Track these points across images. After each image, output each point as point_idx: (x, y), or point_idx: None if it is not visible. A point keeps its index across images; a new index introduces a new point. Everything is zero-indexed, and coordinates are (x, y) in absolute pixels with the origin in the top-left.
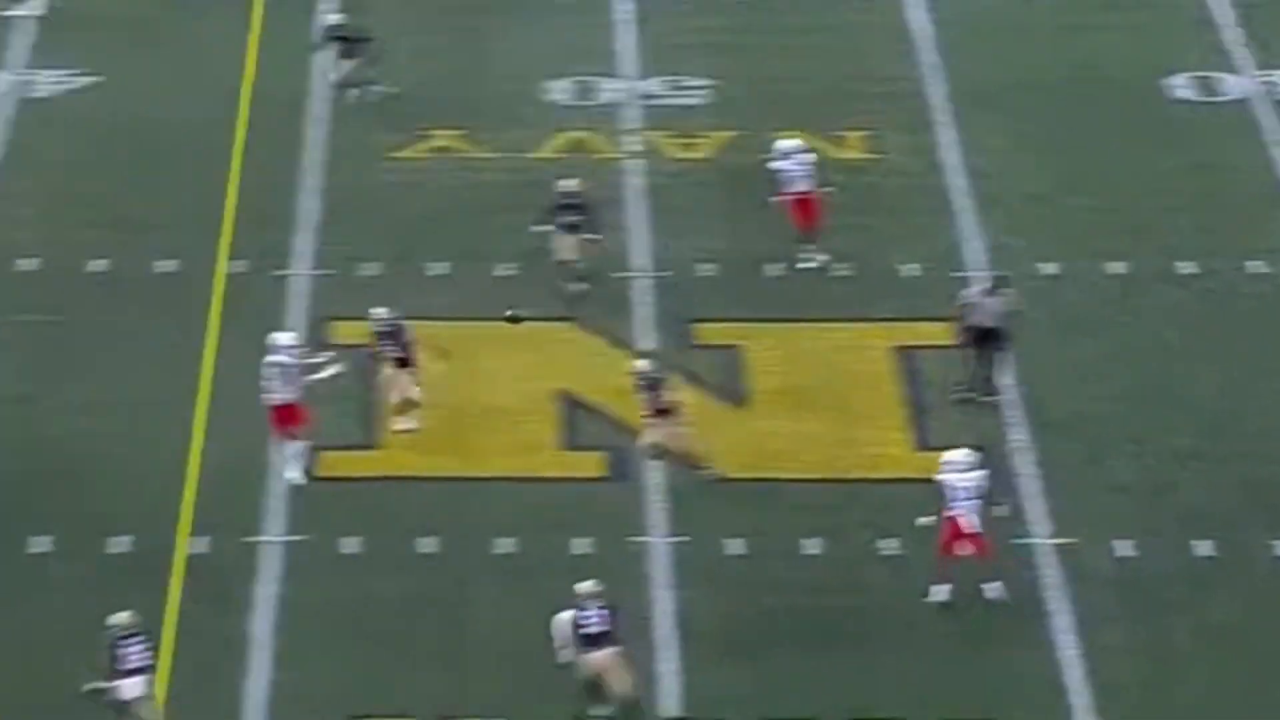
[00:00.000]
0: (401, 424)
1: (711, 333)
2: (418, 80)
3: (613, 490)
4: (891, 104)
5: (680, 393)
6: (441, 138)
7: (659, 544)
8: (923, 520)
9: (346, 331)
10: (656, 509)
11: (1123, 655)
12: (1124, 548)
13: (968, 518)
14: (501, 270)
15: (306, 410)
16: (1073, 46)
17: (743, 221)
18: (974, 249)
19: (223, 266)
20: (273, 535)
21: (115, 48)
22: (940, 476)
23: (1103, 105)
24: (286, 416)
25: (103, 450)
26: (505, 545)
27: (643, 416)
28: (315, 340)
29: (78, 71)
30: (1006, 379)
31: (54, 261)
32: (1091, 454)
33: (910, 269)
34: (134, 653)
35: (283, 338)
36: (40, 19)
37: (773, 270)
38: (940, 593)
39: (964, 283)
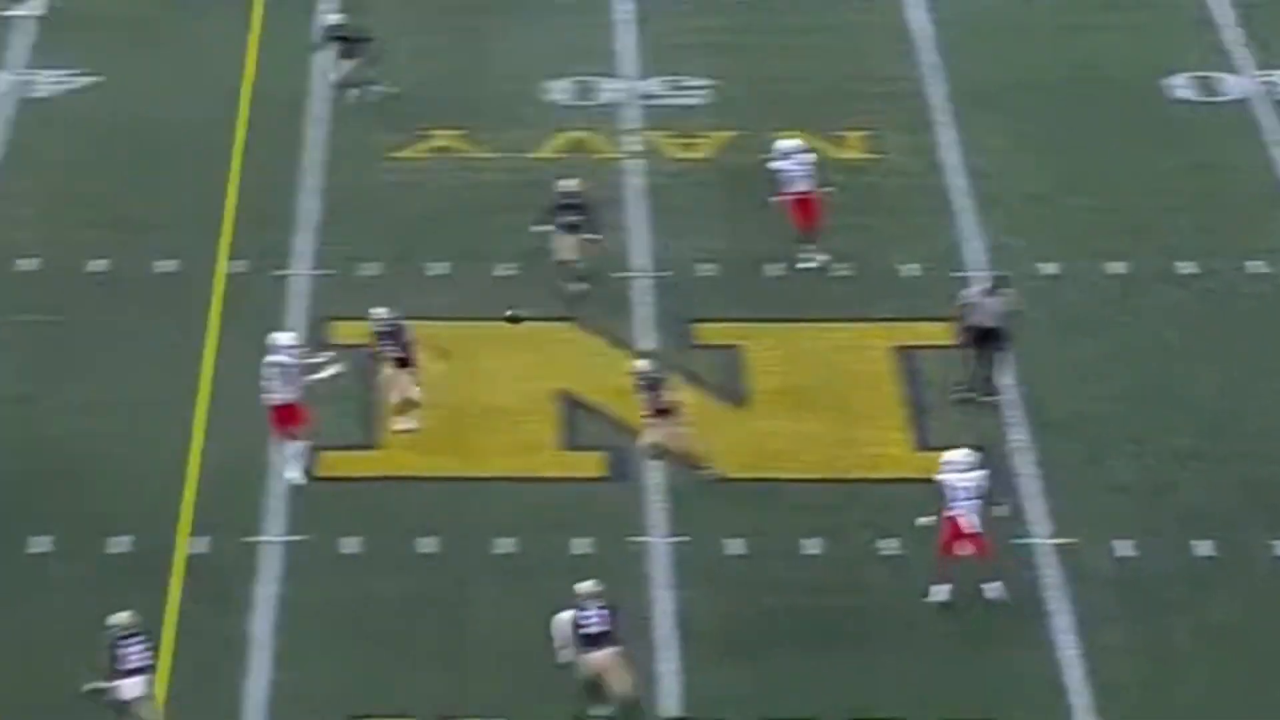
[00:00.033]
0: (401, 424)
1: (711, 333)
2: (418, 80)
3: (613, 490)
4: (891, 104)
5: (680, 393)
6: (441, 138)
7: (659, 544)
8: (923, 520)
9: (346, 331)
10: (656, 509)
11: (1123, 655)
12: (1124, 548)
13: (968, 518)
14: (501, 270)
15: (306, 410)
16: (1073, 46)
17: (743, 221)
18: (974, 249)
19: (223, 266)
20: (273, 535)
21: (115, 48)
22: (940, 476)
23: (1103, 105)
24: (286, 416)
25: (103, 450)
26: (505, 545)
27: (642, 416)
28: (316, 340)
29: (78, 71)
30: (1006, 379)
31: (54, 261)
32: (1091, 454)
33: (910, 269)
34: (134, 652)
35: (282, 338)
36: (40, 19)
37: (773, 270)
38: (940, 593)
39: (964, 283)
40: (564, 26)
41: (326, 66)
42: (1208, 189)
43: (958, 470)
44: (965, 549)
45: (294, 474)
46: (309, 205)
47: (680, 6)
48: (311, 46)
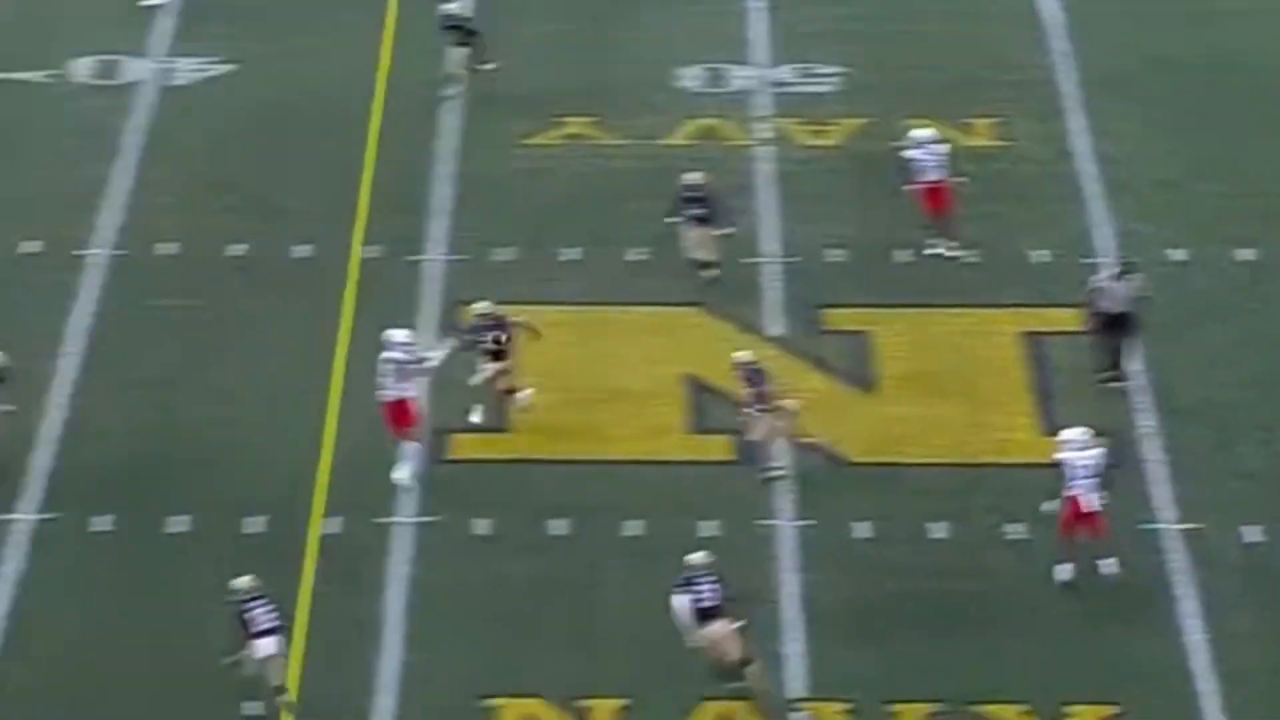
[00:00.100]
0: (520, 400)
1: (840, 318)
2: (551, 67)
3: (740, 474)
4: (1021, 91)
5: (778, 383)
6: (573, 124)
7: (786, 527)
8: (1047, 506)
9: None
10: (783, 493)
11: (1249, 641)
12: (1251, 534)
13: (1087, 496)
14: (632, 255)
15: (419, 408)
16: (1203, 32)
17: (872, 208)
18: (1103, 235)
19: (357, 252)
20: (404, 516)
21: (253, 35)
22: (1059, 456)
23: (1233, 91)
24: (399, 414)
25: (239, 433)
26: (634, 528)
27: (743, 408)
28: (448, 324)
29: (216, 59)
30: (1135, 365)
31: (193, 247)
32: (1220, 440)
33: (1040, 255)
34: (261, 614)
35: (396, 334)
36: (181, 8)
37: (902, 256)
38: (1064, 571)
39: (1093, 269)
40: (696, 14)
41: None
42: None
43: (1075, 449)
44: (1084, 528)
45: (402, 475)
46: (442, 191)
47: None
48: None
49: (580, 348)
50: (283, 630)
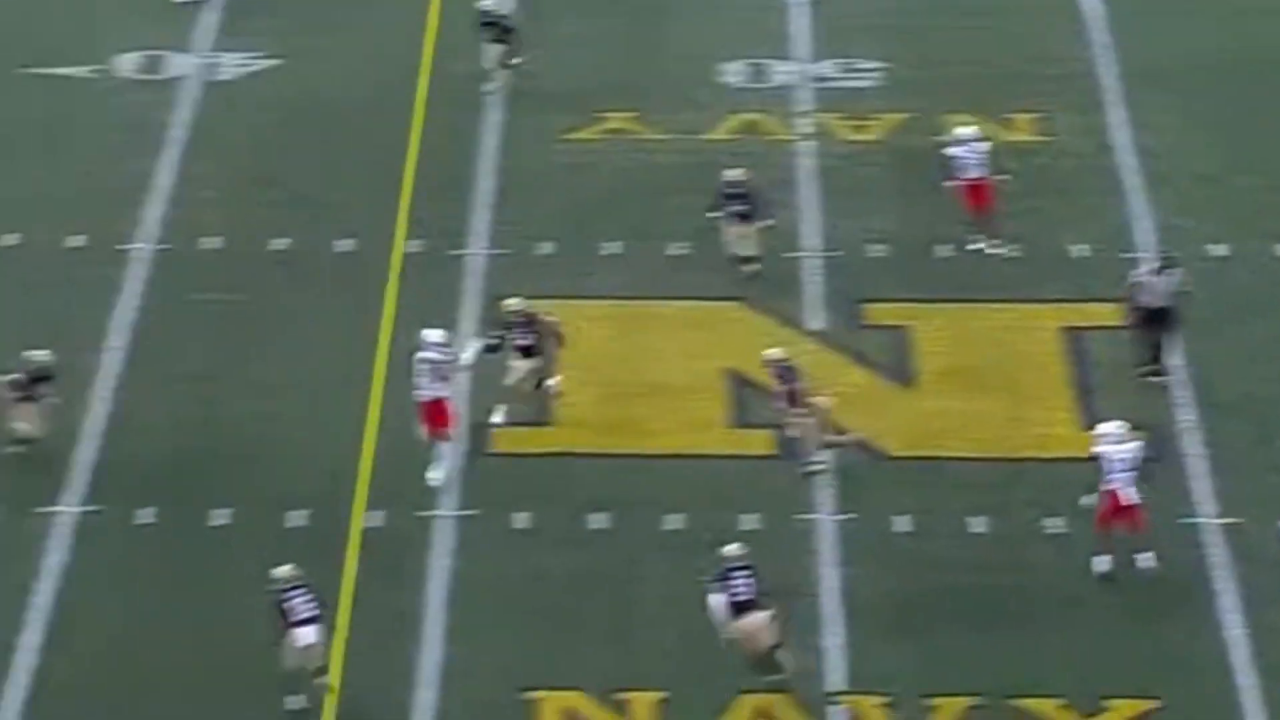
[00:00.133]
0: (550, 387)
1: (881, 313)
2: (593, 63)
3: (780, 468)
4: (1062, 85)
5: (811, 379)
6: (615, 119)
7: (826, 521)
8: (1085, 501)
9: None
10: (823, 487)
11: None
12: None
13: (1125, 489)
14: (674, 250)
15: (455, 408)
16: (1244, 26)
17: (913, 202)
18: (1144, 229)
19: (400, 246)
20: (445, 510)
21: (297, 30)
22: (1097, 449)
23: (1274, 85)
24: (435, 414)
25: (281, 427)
26: (674, 522)
27: (776, 407)
28: (491, 318)
29: (260, 54)
30: (1175, 359)
31: (236, 241)
32: (1260, 435)
33: (1080, 250)
34: (300, 602)
35: (431, 334)
36: (225, 2)
37: (942, 251)
38: (1102, 563)
39: (1133, 264)
40: (737, 9)
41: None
42: None
43: (1112, 442)
44: (1122, 521)
45: (437, 476)
46: (484, 185)
47: None
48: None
49: (621, 342)
50: (322, 619)
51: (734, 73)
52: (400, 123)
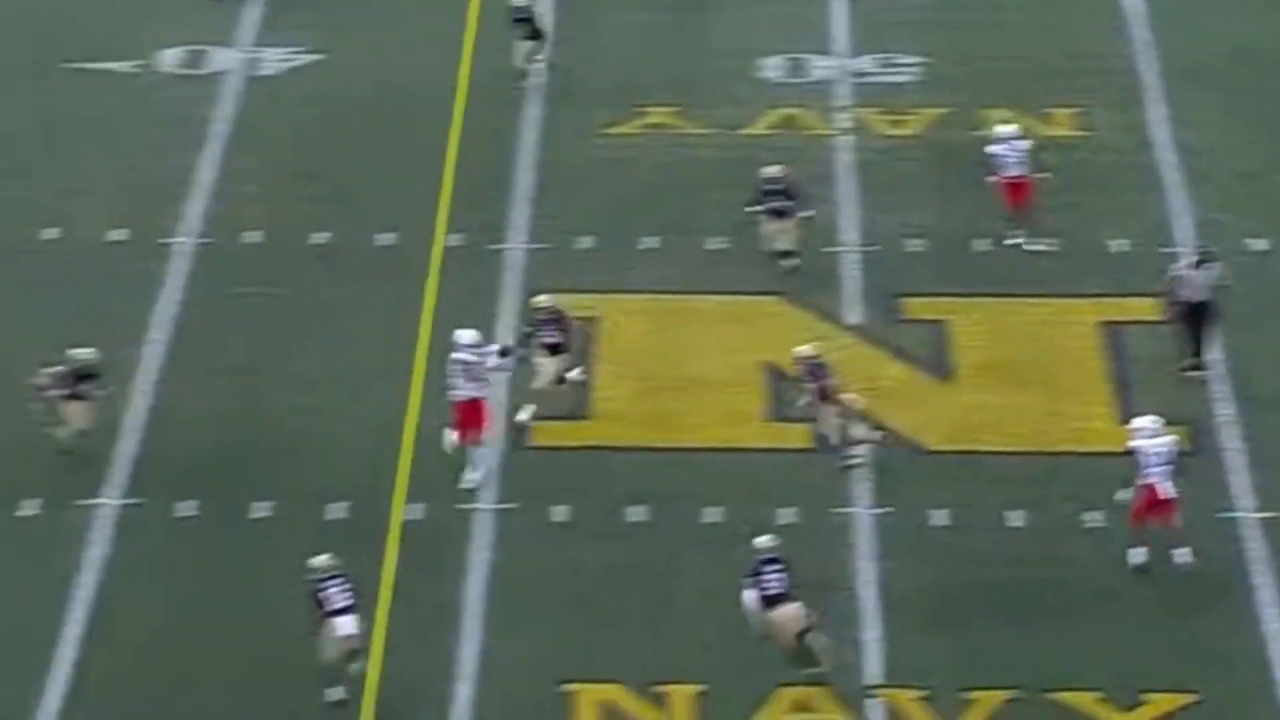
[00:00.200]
0: (574, 377)
1: (918, 307)
2: (633, 57)
3: (818, 461)
4: (1102, 80)
5: (841, 377)
6: (656, 114)
7: (863, 515)
8: (1121, 495)
9: (560, 304)
10: (861, 481)
11: None
12: None
13: (1162, 484)
14: (712, 244)
15: (490, 408)
16: None
17: (951, 197)
18: (1183, 225)
19: (440, 240)
20: (484, 503)
21: (339, 25)
22: (1132, 444)
23: None
24: (470, 415)
25: (322, 420)
26: (712, 515)
27: (804, 404)
28: (529, 312)
29: (302, 49)
30: (1214, 354)
31: (277, 235)
32: None
33: (1119, 245)
34: (335, 592)
35: (464, 335)
36: None
37: (980, 245)
38: (1138, 555)
39: (1173, 259)
40: (777, 4)
41: (520, 48)
42: None
43: (1146, 437)
44: (1157, 516)
45: (473, 478)
46: (524, 180)
47: None
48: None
49: (659, 336)
50: (357, 608)
51: (774, 68)
52: (441, 118)
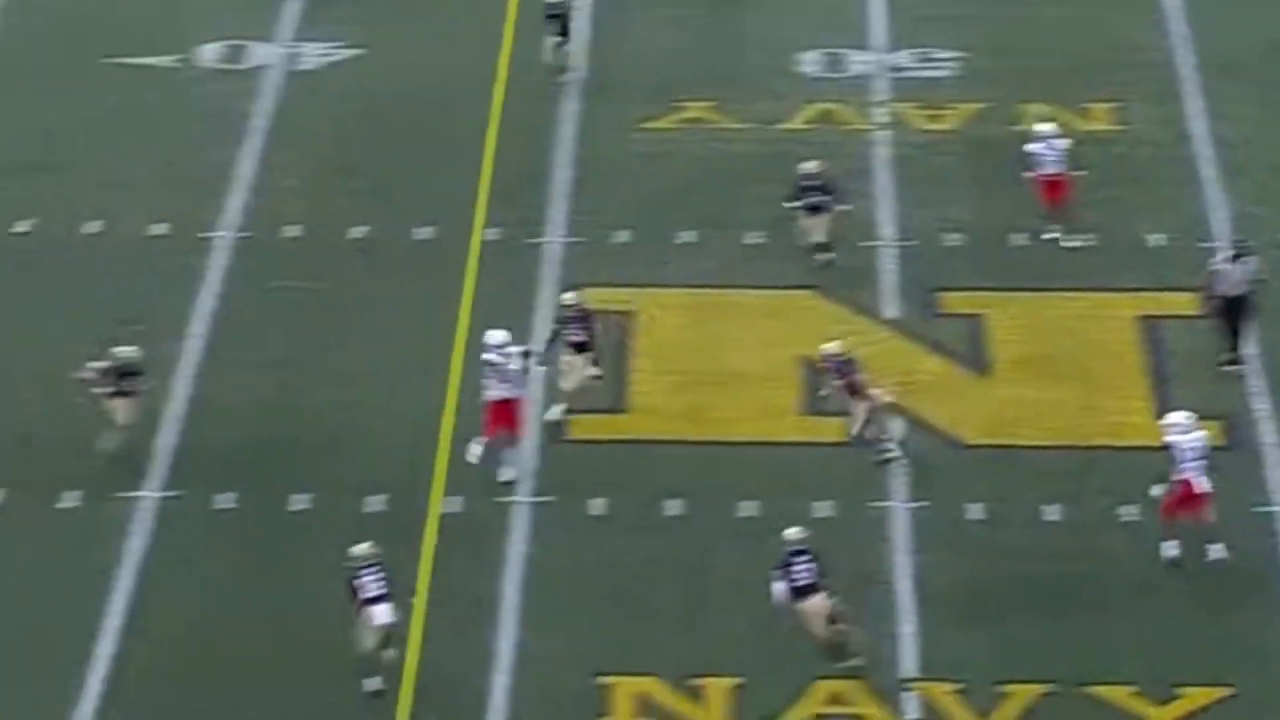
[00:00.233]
0: (590, 374)
1: (955, 301)
2: (671, 52)
3: (854, 455)
4: (1139, 74)
5: (867, 373)
6: (693, 109)
7: (899, 509)
8: (1155, 490)
9: (597, 297)
10: (897, 474)
11: None
12: None
13: (1198, 479)
14: (750, 239)
15: (521, 408)
16: None
17: (988, 192)
18: (1220, 219)
19: (478, 234)
20: (522, 496)
21: (378, 20)
22: (1167, 439)
23: None
24: (501, 414)
25: (360, 413)
26: (748, 509)
27: (827, 395)
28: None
29: (341, 44)
30: (1251, 348)
31: (316, 230)
32: None
33: (1156, 239)
34: (370, 581)
35: (494, 336)
36: None
37: (1017, 240)
38: (1170, 548)
39: (1210, 252)
40: None
41: (552, 43)
42: None
43: (1180, 432)
44: (1191, 510)
45: (510, 475)
46: (562, 175)
47: None
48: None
49: (696, 330)
50: (391, 598)
51: (811, 62)
52: (479, 112)
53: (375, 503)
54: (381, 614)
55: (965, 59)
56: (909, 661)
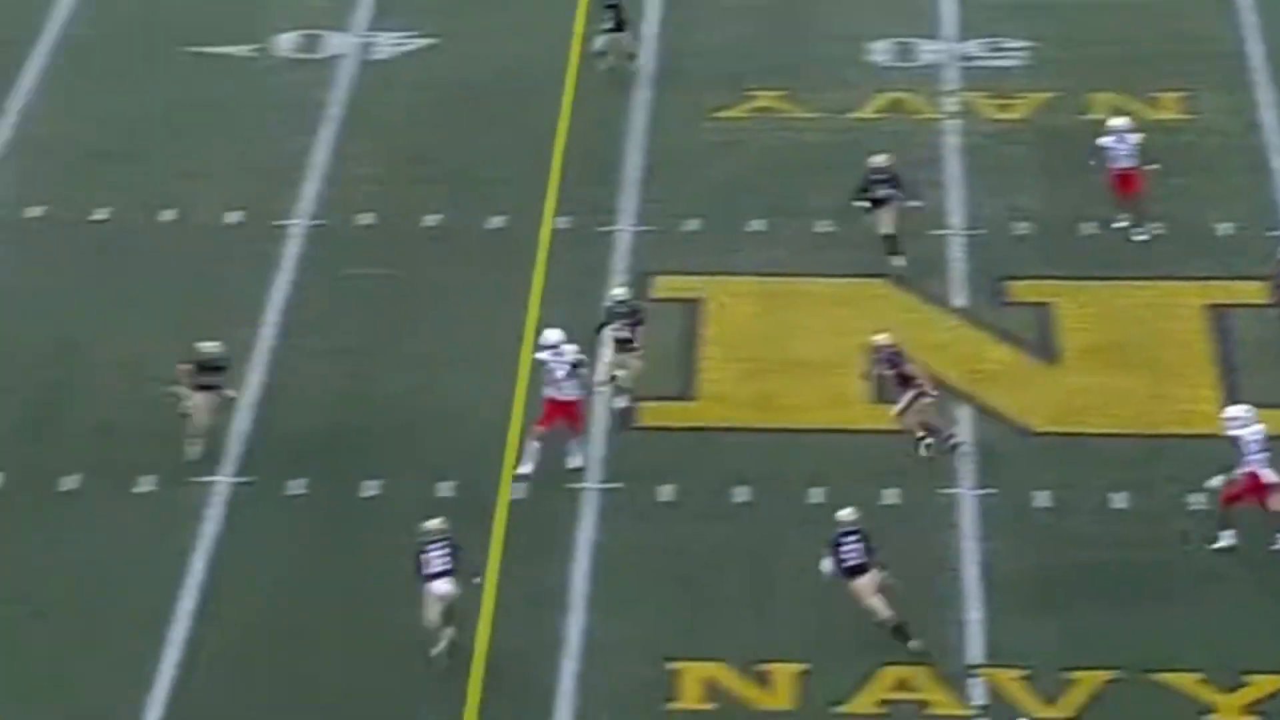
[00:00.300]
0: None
1: (1024, 290)
2: (742, 41)
3: (922, 443)
4: (1209, 64)
5: (918, 364)
6: (764, 98)
7: (967, 496)
8: (1214, 482)
9: (668, 286)
10: (965, 462)
11: None
12: None
13: (1263, 469)
14: (820, 227)
15: (580, 405)
16: None
17: (1058, 181)
18: None
19: (549, 222)
20: (591, 483)
21: (451, 10)
22: (1231, 432)
23: None
24: (559, 412)
25: (432, 400)
26: (816, 495)
27: (867, 376)
28: (639, 294)
29: (415, 33)
30: None
31: (390, 218)
32: None
33: (1225, 228)
34: (435, 556)
35: (549, 336)
36: None
37: (1087, 229)
38: (1228, 536)
39: (1278, 242)
40: None
41: (636, 34)
42: None
43: (1240, 426)
44: (1254, 499)
45: (577, 461)
46: (633, 163)
47: None
48: (636, 9)
49: (766, 318)
50: (455, 574)
51: (881, 52)
52: (551, 101)
53: (445, 489)
54: (439, 588)
55: (1035, 48)
56: (975, 648)
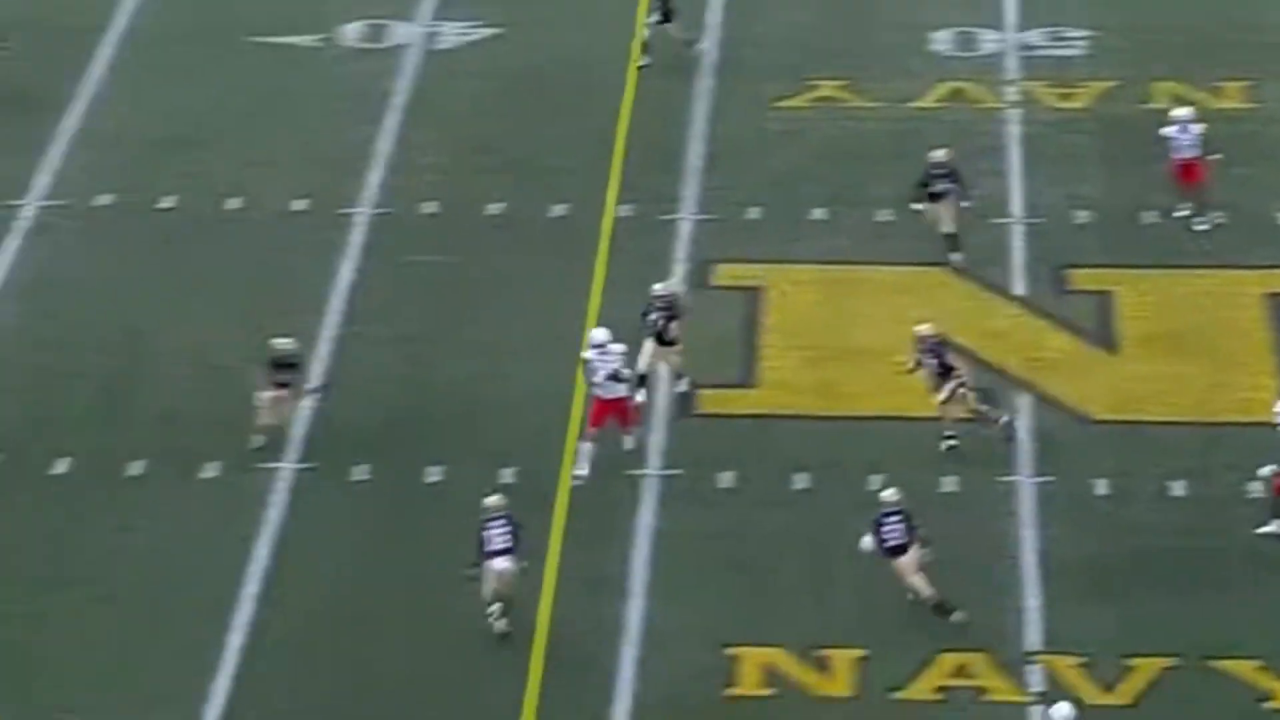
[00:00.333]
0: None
1: (1084, 278)
2: (803, 31)
3: (981, 430)
4: (1272, 53)
5: (958, 355)
6: (826, 87)
7: (1026, 483)
8: (1265, 470)
9: (729, 274)
10: (1024, 449)
11: None
12: None
13: None
14: (881, 216)
15: (630, 403)
16: None
17: (1118, 170)
18: None
19: (611, 211)
20: (651, 469)
21: (515, 0)
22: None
23: None
24: (608, 411)
25: (493, 387)
26: (875, 483)
27: (910, 369)
28: (698, 284)
29: (480, 23)
30: None
31: (453, 206)
32: None
33: None
34: (496, 533)
35: (596, 335)
36: None
37: (1148, 218)
38: (1275, 524)
39: None
40: None
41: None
42: None
43: None
44: None
45: (630, 443)
46: (694, 152)
47: None
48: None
49: (826, 306)
50: (514, 551)
51: (943, 41)
52: (613, 90)
53: (507, 475)
54: (499, 565)
55: (1096, 38)
56: (1034, 635)
